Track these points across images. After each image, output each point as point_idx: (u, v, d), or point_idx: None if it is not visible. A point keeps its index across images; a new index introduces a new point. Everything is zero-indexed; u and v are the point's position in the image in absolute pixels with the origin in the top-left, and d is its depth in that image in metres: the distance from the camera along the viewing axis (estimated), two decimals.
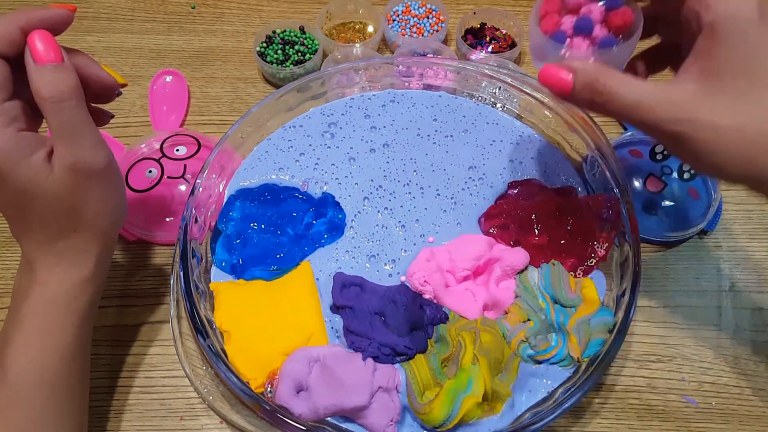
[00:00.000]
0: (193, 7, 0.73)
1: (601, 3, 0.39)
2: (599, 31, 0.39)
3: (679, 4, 0.34)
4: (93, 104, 0.41)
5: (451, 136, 0.55)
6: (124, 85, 0.41)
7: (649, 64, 0.43)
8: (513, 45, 0.66)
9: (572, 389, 0.40)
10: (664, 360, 0.48)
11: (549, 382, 0.42)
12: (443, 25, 0.67)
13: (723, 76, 0.31)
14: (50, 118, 0.34)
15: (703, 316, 0.50)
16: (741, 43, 0.31)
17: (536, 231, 0.47)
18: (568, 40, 0.40)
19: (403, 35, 0.67)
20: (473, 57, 0.65)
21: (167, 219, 0.53)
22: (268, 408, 0.39)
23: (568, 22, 0.40)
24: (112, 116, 0.44)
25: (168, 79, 0.64)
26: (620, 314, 0.43)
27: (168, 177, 0.54)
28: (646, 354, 0.49)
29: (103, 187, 0.38)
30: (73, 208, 0.37)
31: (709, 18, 0.31)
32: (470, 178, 0.52)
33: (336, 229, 0.49)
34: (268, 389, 0.41)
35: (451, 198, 0.51)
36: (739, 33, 0.30)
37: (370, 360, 0.41)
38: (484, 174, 0.52)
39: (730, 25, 0.30)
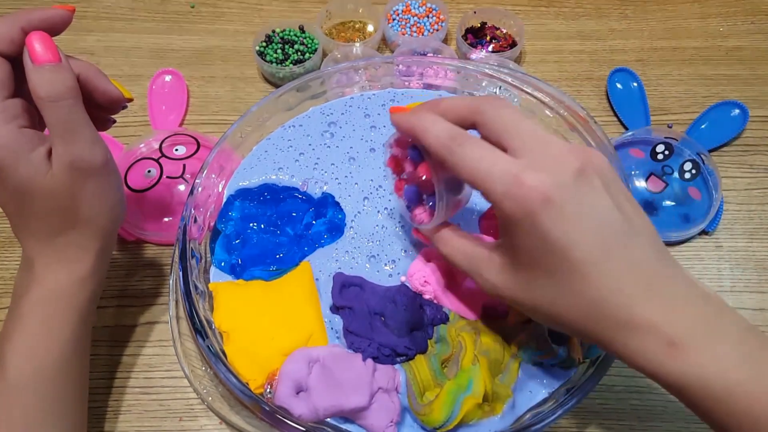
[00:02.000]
0: (193, 7, 0.72)
1: (410, 157, 0.37)
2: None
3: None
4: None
5: None
6: (130, 100, 0.42)
7: None
8: (513, 44, 0.66)
9: (573, 390, 0.40)
10: None
11: (550, 382, 0.42)
12: (443, 24, 0.67)
13: (519, 261, 0.33)
14: (48, 117, 0.35)
15: None
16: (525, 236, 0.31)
17: None
18: (410, 213, 0.41)
19: (403, 34, 0.67)
20: (473, 56, 0.65)
21: (166, 219, 0.53)
22: (268, 409, 0.39)
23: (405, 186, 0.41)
24: (114, 121, 0.45)
25: (167, 78, 0.64)
26: None
27: (167, 177, 0.54)
28: None
29: (101, 184, 0.38)
30: (71, 204, 0.37)
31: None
32: None
33: (336, 229, 0.49)
34: (268, 390, 0.41)
35: None
36: (520, 228, 0.31)
37: (370, 361, 0.41)
38: None
39: (516, 223, 0.31)
